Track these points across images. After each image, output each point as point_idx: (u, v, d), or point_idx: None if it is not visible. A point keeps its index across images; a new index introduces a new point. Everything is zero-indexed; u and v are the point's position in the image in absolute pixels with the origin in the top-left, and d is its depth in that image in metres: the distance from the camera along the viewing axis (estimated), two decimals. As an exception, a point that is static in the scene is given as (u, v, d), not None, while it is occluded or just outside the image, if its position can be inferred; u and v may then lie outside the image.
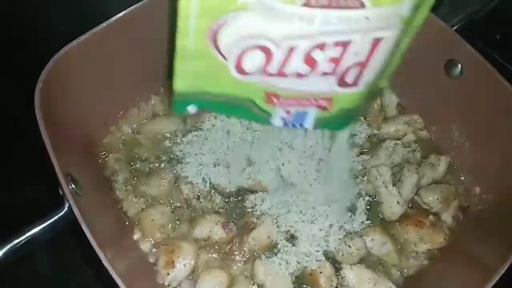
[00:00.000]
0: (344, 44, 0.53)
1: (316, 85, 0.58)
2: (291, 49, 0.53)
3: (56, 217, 0.62)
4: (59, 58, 0.71)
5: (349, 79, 0.58)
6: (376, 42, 0.54)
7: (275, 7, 0.48)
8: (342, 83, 0.58)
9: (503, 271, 0.61)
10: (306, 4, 0.48)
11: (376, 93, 0.71)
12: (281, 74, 0.56)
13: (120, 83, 0.85)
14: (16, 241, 0.59)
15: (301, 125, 0.65)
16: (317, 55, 0.53)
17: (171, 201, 0.83)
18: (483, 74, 0.80)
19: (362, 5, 0.49)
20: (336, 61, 0.55)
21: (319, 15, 0.49)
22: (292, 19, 0.49)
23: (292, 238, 0.77)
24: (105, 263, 0.57)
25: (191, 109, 0.62)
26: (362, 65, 0.56)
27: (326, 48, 0.53)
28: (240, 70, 0.56)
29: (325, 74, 0.56)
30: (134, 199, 0.82)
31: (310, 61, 0.54)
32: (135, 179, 0.85)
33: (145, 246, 0.79)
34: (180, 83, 0.58)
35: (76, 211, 0.59)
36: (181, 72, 0.57)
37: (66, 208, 0.63)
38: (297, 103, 0.61)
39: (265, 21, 0.50)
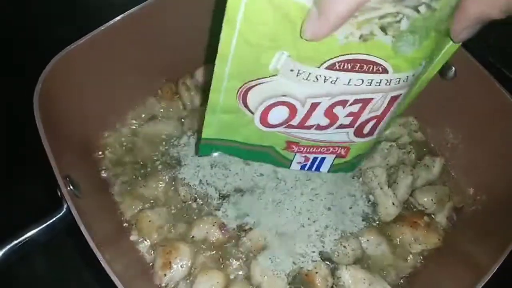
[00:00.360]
0: (364, 102, 0.56)
1: (335, 135, 0.62)
2: (314, 106, 0.56)
3: (54, 219, 0.63)
4: (58, 60, 0.72)
5: (365, 130, 0.62)
6: (394, 99, 0.57)
7: (301, 71, 0.51)
8: (359, 134, 0.62)
9: (494, 271, 0.62)
10: (329, 68, 0.50)
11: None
12: (302, 126, 0.60)
13: (118, 85, 0.85)
14: (15, 242, 0.60)
15: (317, 169, 0.70)
16: (338, 110, 0.57)
17: (169, 203, 0.84)
18: (476, 77, 0.81)
19: (385, 71, 0.52)
20: (355, 115, 0.58)
21: (342, 77, 0.52)
22: (317, 81, 0.52)
23: (288, 239, 0.78)
24: (103, 263, 0.58)
25: (215, 153, 0.69)
26: (379, 118, 0.60)
27: (347, 104, 0.56)
28: (265, 123, 0.60)
29: (343, 126, 0.60)
30: (131, 200, 0.83)
31: (330, 115, 0.58)
32: (133, 181, 0.85)
33: (143, 247, 0.80)
34: (207, 132, 0.63)
35: (74, 212, 0.60)
36: (209, 123, 0.61)
37: (64, 210, 0.63)
38: (315, 151, 0.66)
39: (292, 83, 0.53)
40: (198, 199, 0.83)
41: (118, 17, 0.78)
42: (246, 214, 0.80)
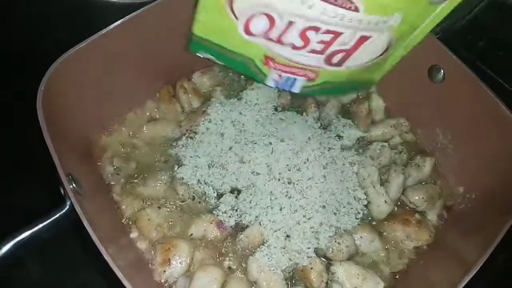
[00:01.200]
0: (335, 34, 0.63)
1: (307, 59, 0.68)
2: (290, 23, 0.62)
3: (57, 215, 0.65)
4: (61, 62, 0.74)
5: (334, 60, 0.68)
6: (363, 39, 0.64)
7: None
8: (328, 62, 0.69)
9: (480, 265, 0.65)
10: None
11: (365, 85, 0.83)
12: (279, 41, 0.66)
13: (118, 88, 0.88)
14: (20, 237, 0.62)
15: (290, 89, 0.76)
16: (311, 35, 0.64)
17: (167, 202, 0.86)
18: (464, 79, 0.84)
19: (356, 9, 0.59)
20: (326, 43, 0.65)
21: (317, 4, 0.59)
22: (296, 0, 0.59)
23: (284, 236, 0.80)
24: (107, 257, 0.60)
25: (202, 54, 0.74)
26: (347, 53, 0.67)
27: (319, 32, 0.63)
28: (247, 31, 0.65)
29: (315, 51, 0.67)
30: (131, 199, 0.85)
31: (304, 38, 0.64)
32: (132, 180, 0.87)
33: (142, 245, 0.82)
34: (198, 28, 0.68)
35: (77, 208, 0.62)
36: (200, 20, 0.66)
37: (67, 207, 0.65)
38: (288, 70, 0.72)
39: None
40: (196, 198, 0.85)
41: (118, 22, 0.80)
42: (243, 212, 0.83)
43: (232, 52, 0.70)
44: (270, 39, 0.66)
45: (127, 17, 0.81)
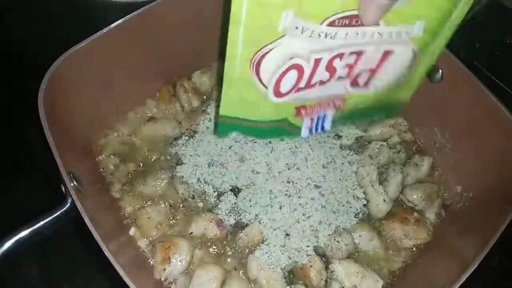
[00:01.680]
0: (359, 53, 0.62)
1: (334, 88, 0.67)
2: (317, 61, 0.61)
3: (58, 213, 0.65)
4: (63, 61, 0.74)
5: (361, 81, 0.67)
6: (387, 53, 0.63)
7: (305, 28, 0.56)
8: (354, 84, 0.67)
9: (478, 263, 0.65)
10: (330, 24, 0.56)
11: (393, 108, 0.79)
12: (308, 85, 0.64)
13: (118, 87, 0.88)
14: (21, 235, 0.62)
15: (322, 128, 0.73)
16: (336, 63, 0.62)
17: (167, 200, 0.86)
18: (462, 79, 0.85)
19: (377, 23, 0.58)
20: (350, 67, 0.64)
21: (339, 32, 0.57)
22: (319, 37, 0.57)
23: (283, 234, 0.80)
24: (107, 253, 0.60)
25: (232, 134, 0.70)
26: (373, 71, 0.66)
27: (344, 57, 0.62)
28: (278, 93, 0.63)
29: (341, 78, 0.65)
30: (131, 198, 0.85)
31: (331, 69, 0.63)
32: (132, 179, 0.88)
33: (142, 243, 0.82)
34: (225, 108, 0.64)
35: (79, 205, 0.62)
36: (226, 98, 0.63)
37: (68, 204, 0.66)
38: (319, 108, 0.70)
39: (298, 42, 0.57)
40: (196, 197, 0.86)
41: (119, 21, 0.81)
42: (242, 211, 0.83)
43: (265, 122, 0.68)
44: (300, 89, 0.64)
45: (128, 16, 0.81)
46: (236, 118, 0.66)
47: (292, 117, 0.69)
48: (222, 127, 0.68)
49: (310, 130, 0.72)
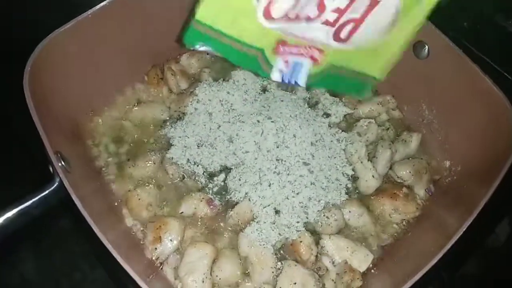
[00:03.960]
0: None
1: (317, 33, 0.65)
2: None
3: (47, 192, 0.65)
4: (47, 43, 0.75)
5: (343, 34, 0.66)
6: (374, 3, 0.62)
7: None
8: (336, 37, 0.66)
9: (461, 233, 0.67)
10: None
11: (366, 84, 0.77)
12: (297, 17, 0.62)
13: (105, 70, 0.88)
14: (10, 214, 0.62)
15: (295, 82, 0.71)
16: (328, 2, 0.62)
17: (157, 182, 0.87)
18: (448, 54, 0.86)
19: None
20: (339, 12, 0.63)
21: None
22: None
23: (273, 211, 0.81)
24: (96, 231, 0.60)
25: (200, 46, 0.63)
26: (356, 23, 0.64)
27: None
28: (267, 15, 0.60)
29: (327, 23, 0.64)
30: (121, 180, 0.86)
31: (321, 6, 0.62)
32: (122, 161, 0.88)
33: (133, 224, 0.82)
34: (203, 12, 0.58)
35: (66, 184, 0.63)
36: (208, 3, 0.57)
37: (56, 183, 0.66)
38: (297, 52, 0.67)
39: None
40: (186, 177, 0.86)
41: (104, 2, 0.81)
42: (232, 190, 0.84)
43: (240, 43, 0.63)
44: (289, 19, 0.61)
45: (113, -3, 0.81)
46: (211, 28, 0.60)
47: (270, 50, 0.65)
48: (191, 33, 0.61)
49: (283, 77, 0.70)
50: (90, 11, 0.80)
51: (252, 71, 0.74)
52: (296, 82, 0.70)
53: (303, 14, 0.62)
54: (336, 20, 0.64)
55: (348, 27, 0.65)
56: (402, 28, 0.68)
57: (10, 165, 0.89)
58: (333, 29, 0.65)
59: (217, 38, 0.62)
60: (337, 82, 0.73)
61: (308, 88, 0.74)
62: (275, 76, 0.69)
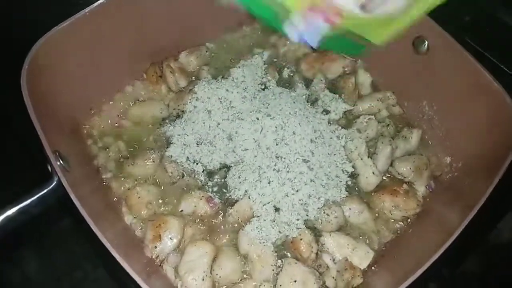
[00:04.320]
0: None
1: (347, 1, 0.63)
2: None
3: (45, 190, 0.65)
4: (44, 41, 0.75)
5: (371, 4, 0.63)
6: None
7: None
8: (362, 5, 0.63)
9: (462, 229, 0.67)
10: None
11: (361, 46, 0.74)
12: None
13: (104, 68, 0.88)
14: (9, 212, 0.62)
15: (309, 43, 0.68)
16: None
17: (157, 180, 0.86)
18: (448, 49, 0.85)
19: None
20: None
21: None
22: None
23: (273, 209, 0.81)
24: (95, 229, 0.60)
25: None
26: None
27: None
28: None
29: None
30: (120, 178, 0.85)
31: None
32: (121, 160, 0.88)
33: (133, 222, 0.82)
34: None
35: (64, 182, 0.62)
36: None
37: (55, 182, 0.66)
38: (320, 15, 0.65)
39: None
40: (185, 176, 0.86)
41: (99, 2, 0.80)
42: (232, 187, 0.83)
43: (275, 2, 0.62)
44: None
45: (112, -6, 0.81)
46: None
47: (297, 12, 0.64)
48: None
49: (296, 33, 0.68)
50: (87, 9, 0.79)
51: (274, 26, 0.70)
52: (307, 41, 0.68)
53: None
54: None
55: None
56: (422, 3, 0.66)
57: (9, 164, 0.89)
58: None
59: None
60: (339, 43, 0.72)
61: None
62: (289, 29, 0.67)
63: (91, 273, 0.85)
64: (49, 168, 0.66)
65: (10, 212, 0.62)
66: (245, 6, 0.65)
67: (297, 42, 0.70)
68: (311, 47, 0.72)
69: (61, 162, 0.67)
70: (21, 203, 0.63)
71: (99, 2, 0.80)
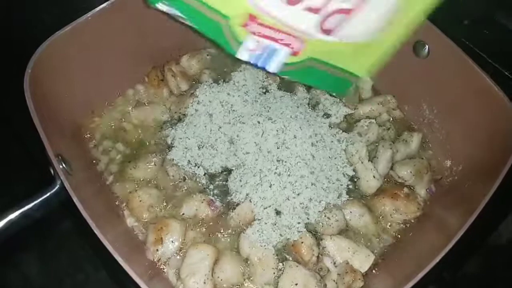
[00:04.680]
0: None
1: (298, 19, 0.59)
2: None
3: (48, 194, 0.65)
4: (47, 45, 0.75)
5: (328, 25, 0.59)
6: None
7: None
8: (321, 27, 0.60)
9: (463, 233, 0.67)
10: None
11: (346, 81, 0.72)
12: None
13: (105, 71, 0.88)
14: (11, 216, 0.62)
15: (265, 65, 0.65)
16: None
17: (158, 183, 0.87)
18: (449, 54, 0.86)
19: None
20: None
21: None
22: None
23: (274, 212, 0.81)
24: (97, 232, 0.60)
25: (162, 6, 0.60)
26: (346, 13, 0.58)
27: None
28: None
29: (311, 9, 0.58)
30: (122, 181, 0.86)
31: None
32: (123, 163, 0.88)
33: (134, 225, 0.83)
34: None
35: (67, 186, 0.63)
36: None
37: (57, 186, 0.66)
38: (271, 35, 0.61)
39: None
40: (187, 179, 0.86)
41: (104, 4, 0.81)
42: (233, 191, 0.84)
43: (205, 5, 0.58)
44: None
45: (113, -1, 0.82)
46: None
47: (237, 22, 0.59)
48: None
49: (250, 58, 0.64)
50: (89, 14, 0.80)
51: (217, 43, 0.65)
52: (265, 66, 0.65)
53: None
54: (321, 8, 0.57)
55: (337, 17, 0.58)
56: (398, 26, 0.64)
57: (11, 167, 0.89)
58: (317, 17, 0.58)
59: None
60: (315, 77, 0.68)
61: (282, 77, 0.67)
62: (243, 54, 0.64)
63: (93, 275, 0.85)
64: (52, 171, 0.67)
65: (13, 215, 0.62)
66: (191, 23, 0.62)
67: (250, 62, 0.66)
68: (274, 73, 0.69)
69: (63, 165, 0.67)
70: (23, 206, 0.64)
71: (101, 6, 0.81)
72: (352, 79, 0.70)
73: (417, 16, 0.64)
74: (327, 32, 0.61)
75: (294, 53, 0.65)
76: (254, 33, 0.61)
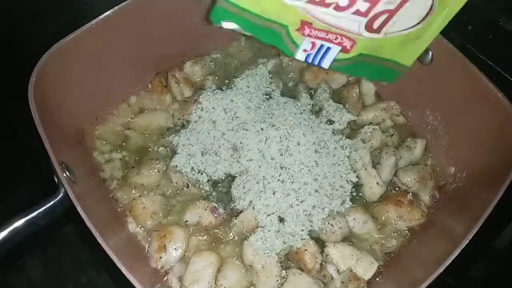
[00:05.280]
0: None
1: (348, 22, 0.65)
2: None
3: (52, 202, 0.66)
4: (52, 53, 0.75)
5: (375, 25, 0.65)
6: None
7: None
8: (369, 27, 0.65)
9: (468, 240, 0.67)
10: None
11: (393, 71, 0.76)
12: (323, 3, 0.62)
13: (109, 78, 0.89)
14: (17, 224, 0.63)
15: (320, 63, 0.71)
16: None
17: (162, 190, 0.87)
18: (452, 61, 0.86)
19: None
20: (372, 2, 0.62)
21: None
22: None
23: (277, 220, 0.81)
24: (100, 240, 0.61)
25: (226, 24, 0.65)
26: (390, 14, 0.64)
27: None
28: None
29: (359, 13, 0.63)
30: (125, 188, 0.86)
31: None
32: (127, 169, 0.88)
33: (138, 232, 0.83)
34: None
35: (71, 194, 0.63)
36: None
37: (61, 194, 0.66)
38: (324, 37, 0.67)
39: None
40: (190, 186, 0.86)
41: (108, 12, 0.81)
42: (237, 198, 0.84)
43: (264, 19, 0.64)
44: (313, 1, 0.62)
45: (116, 7, 0.82)
46: (235, 6, 0.62)
47: (294, 28, 0.66)
48: (218, 11, 0.63)
49: (308, 57, 0.70)
50: (93, 21, 0.80)
51: (278, 47, 0.71)
52: (319, 64, 0.71)
53: (330, 1, 0.62)
54: (369, 11, 0.63)
55: (382, 18, 0.64)
56: (436, 17, 0.68)
57: (15, 175, 0.89)
58: (365, 19, 0.64)
59: (242, 15, 0.63)
60: (364, 69, 0.73)
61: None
62: (299, 55, 0.70)
63: (96, 281, 0.85)
64: (56, 179, 0.67)
65: (18, 224, 0.63)
66: (253, 35, 0.67)
67: (307, 62, 0.72)
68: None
69: (67, 173, 0.67)
70: (28, 215, 0.64)
71: (105, 14, 0.81)
72: (401, 69, 0.75)
73: (457, 5, 0.68)
74: (375, 31, 0.66)
75: (346, 51, 0.70)
76: (309, 36, 0.67)
